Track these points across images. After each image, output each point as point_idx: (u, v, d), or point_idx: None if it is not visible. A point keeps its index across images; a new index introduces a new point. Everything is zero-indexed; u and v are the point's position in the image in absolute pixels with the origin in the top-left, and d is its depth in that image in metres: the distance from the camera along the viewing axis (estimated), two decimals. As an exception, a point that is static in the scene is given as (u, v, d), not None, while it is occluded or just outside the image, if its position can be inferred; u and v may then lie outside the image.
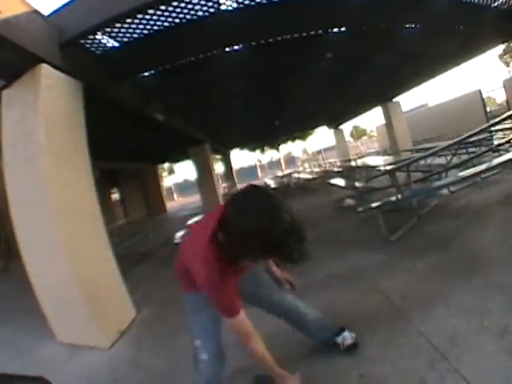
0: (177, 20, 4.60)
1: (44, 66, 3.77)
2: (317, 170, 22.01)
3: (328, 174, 14.65)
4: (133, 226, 14.62)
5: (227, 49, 5.89)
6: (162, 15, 4.43)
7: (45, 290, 3.94)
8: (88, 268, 3.83)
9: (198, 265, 1.79)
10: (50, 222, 3.60)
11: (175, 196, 43.81)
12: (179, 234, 7.78)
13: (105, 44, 4.70)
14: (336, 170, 15.81)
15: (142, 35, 4.69)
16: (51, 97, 3.80)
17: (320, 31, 6.05)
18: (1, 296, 7.63)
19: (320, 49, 6.85)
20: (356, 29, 6.38)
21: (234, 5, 4.76)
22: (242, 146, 28.04)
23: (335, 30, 6.14)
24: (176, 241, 7.24)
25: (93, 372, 3.34)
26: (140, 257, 8.15)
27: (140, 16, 4.32)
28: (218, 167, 28.92)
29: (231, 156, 26.93)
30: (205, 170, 14.42)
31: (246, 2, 4.74)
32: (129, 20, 4.32)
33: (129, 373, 3.17)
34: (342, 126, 26.61)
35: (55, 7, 4.14)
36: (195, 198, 24.23)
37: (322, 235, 6.26)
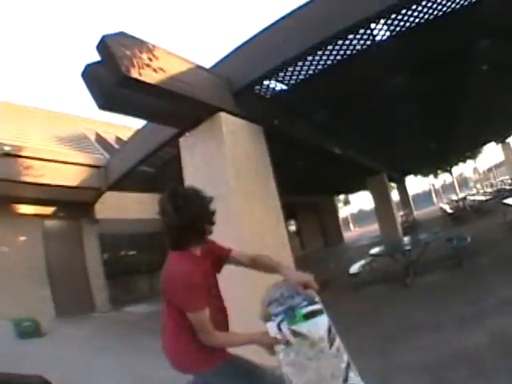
0: (338, 57, 4.70)
1: (222, 114, 4.20)
2: (489, 190, 20.49)
3: (500, 193, 13.95)
4: (310, 257, 15.20)
5: (391, 77, 5.83)
6: (323, 54, 4.54)
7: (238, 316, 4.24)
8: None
9: (175, 267, 2.04)
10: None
11: (352, 226, 42.71)
12: (358, 264, 7.66)
13: (273, 88, 5.01)
14: (508, 187, 14.66)
15: (307, 76, 4.87)
16: (235, 142, 4.17)
17: (471, 43, 5.67)
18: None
19: (476, 61, 6.34)
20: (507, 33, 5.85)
21: (388, 33, 4.77)
22: (415, 172, 27.11)
23: (486, 39, 5.73)
24: (354, 271, 7.17)
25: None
26: (322, 284, 8.23)
27: (302, 61, 4.52)
28: (393, 195, 28.51)
29: (406, 183, 26.17)
30: (383, 199, 14.48)
31: (397, 29, 4.71)
32: (292, 65, 4.54)
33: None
34: (508, 140, 24.09)
35: (217, 59, 4.67)
36: (372, 228, 23.85)
37: (496, 260, 6.06)
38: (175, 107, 4.26)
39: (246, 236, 3.90)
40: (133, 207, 12.05)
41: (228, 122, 4.24)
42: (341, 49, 4.59)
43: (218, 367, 2.05)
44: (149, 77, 3.44)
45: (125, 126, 14.61)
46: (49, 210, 9.57)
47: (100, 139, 11.21)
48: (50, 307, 8.92)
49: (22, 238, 8.82)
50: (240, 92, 4.51)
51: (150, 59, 3.52)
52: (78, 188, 8.38)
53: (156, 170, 7.25)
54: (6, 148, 7.69)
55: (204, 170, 4.25)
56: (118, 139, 11.24)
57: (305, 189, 15.76)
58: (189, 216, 1.96)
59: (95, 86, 3.71)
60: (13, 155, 7.72)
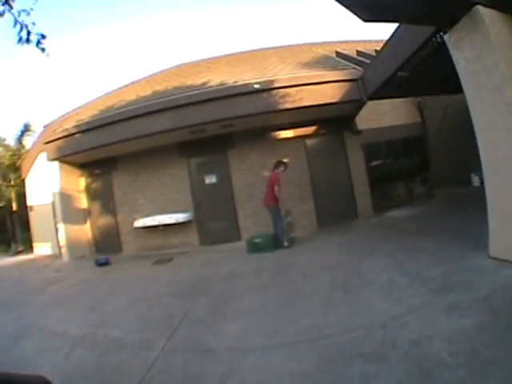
0: None
1: (479, 7, 4.28)
2: None
3: None
4: None
5: None
6: None
7: (500, 205, 4.58)
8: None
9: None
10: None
11: None
12: None
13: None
14: None
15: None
16: (497, 32, 4.28)
17: None
18: (424, 217, 9.30)
19: None
20: None
21: None
22: None
23: None
24: None
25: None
26: None
27: None
28: None
29: None
30: None
31: None
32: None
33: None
34: None
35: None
36: None
37: None
38: (434, 7, 4.50)
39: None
40: (387, 115, 12.50)
41: (487, 14, 4.30)
42: None
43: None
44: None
45: (361, 40, 14.77)
46: (310, 129, 10.74)
47: (343, 56, 11.63)
48: (313, 219, 10.54)
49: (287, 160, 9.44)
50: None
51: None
52: (339, 103, 9.15)
53: (409, 73, 7.56)
54: (256, 86, 8.93)
55: (476, 62, 4.52)
56: (359, 53, 11.55)
57: None
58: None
59: (356, 3, 4.19)
60: (267, 89, 8.95)
